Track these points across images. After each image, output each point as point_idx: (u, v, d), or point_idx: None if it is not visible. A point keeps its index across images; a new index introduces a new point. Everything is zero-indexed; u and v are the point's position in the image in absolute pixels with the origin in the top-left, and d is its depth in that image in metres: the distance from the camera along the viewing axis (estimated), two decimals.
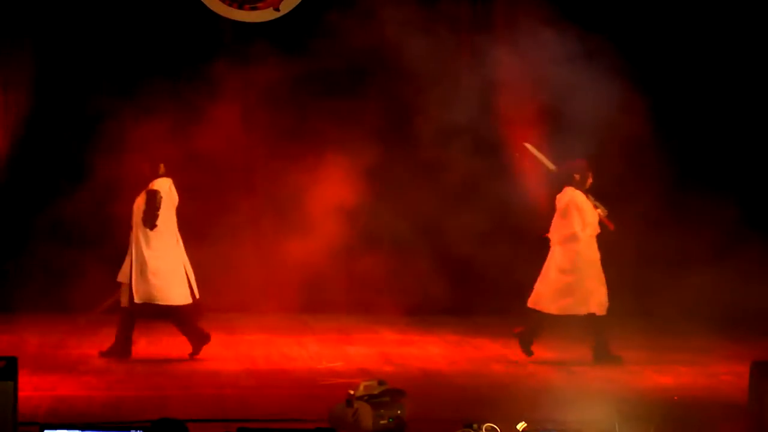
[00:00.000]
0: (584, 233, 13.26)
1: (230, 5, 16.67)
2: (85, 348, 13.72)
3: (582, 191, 13.36)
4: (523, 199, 16.96)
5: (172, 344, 14.17)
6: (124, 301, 13.08)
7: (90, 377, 11.99)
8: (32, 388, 10.71)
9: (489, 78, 16.62)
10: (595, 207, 13.36)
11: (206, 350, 13.78)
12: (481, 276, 16.75)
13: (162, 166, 13.09)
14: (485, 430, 9.20)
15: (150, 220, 12.90)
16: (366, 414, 9.44)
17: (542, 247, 16.82)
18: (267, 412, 10.09)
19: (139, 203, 13.01)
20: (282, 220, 16.63)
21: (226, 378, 12.11)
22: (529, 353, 13.30)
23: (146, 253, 12.92)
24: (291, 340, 14.56)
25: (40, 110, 16.63)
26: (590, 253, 13.32)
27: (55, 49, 16.61)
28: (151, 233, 12.94)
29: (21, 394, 9.30)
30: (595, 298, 13.24)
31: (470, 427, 9.23)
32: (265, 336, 14.89)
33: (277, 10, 16.75)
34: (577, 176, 13.40)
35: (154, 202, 12.91)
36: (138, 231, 12.97)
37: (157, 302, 13.00)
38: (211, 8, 16.65)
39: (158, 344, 14.18)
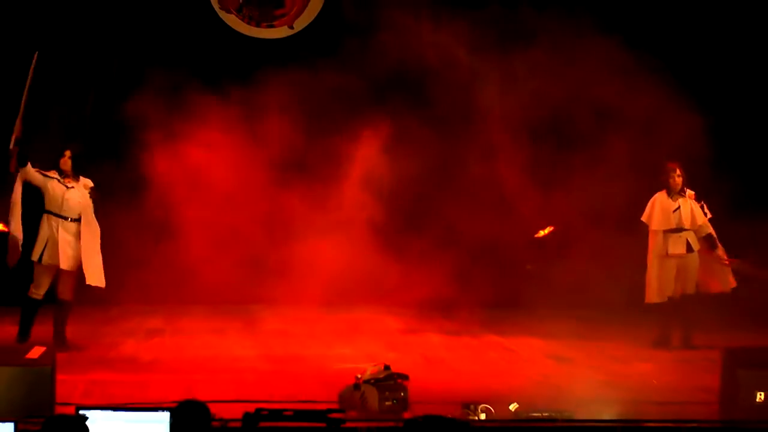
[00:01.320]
0: (654, 228, 13.59)
1: (249, 23, 16.76)
2: (115, 336, 13.81)
3: (666, 191, 13.66)
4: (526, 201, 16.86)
5: (196, 332, 14.28)
6: (68, 293, 12.96)
7: (120, 362, 12.08)
8: (68, 373, 10.69)
9: (531, 89, 16.12)
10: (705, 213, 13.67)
11: (229, 338, 13.89)
12: (482, 272, 16.77)
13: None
14: (481, 410, 9.29)
15: (95, 213, 12.99)
16: (372, 396, 9.51)
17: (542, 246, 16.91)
18: (283, 394, 10.15)
19: (84, 196, 12.89)
20: (299, 222, 16.71)
21: (246, 363, 12.19)
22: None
23: (97, 242, 12.95)
24: (304, 329, 14.61)
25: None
26: (655, 247, 13.61)
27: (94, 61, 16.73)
28: (96, 227, 12.98)
29: (58, 377, 9.39)
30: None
31: (467, 408, 9.33)
32: (281, 326, 14.92)
33: (291, 27, 16.85)
34: (662, 178, 13.69)
35: (98, 196, 13.01)
36: (93, 224, 12.92)
37: (102, 286, 13.06)
38: (232, 27, 16.75)
39: (183, 332, 14.29)
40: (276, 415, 9.09)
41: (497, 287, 16.51)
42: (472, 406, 9.32)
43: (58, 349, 10.81)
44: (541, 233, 16.88)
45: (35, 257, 12.74)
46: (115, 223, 16.06)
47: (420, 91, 16.55)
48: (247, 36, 16.88)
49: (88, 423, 6.42)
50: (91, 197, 12.92)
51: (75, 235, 12.78)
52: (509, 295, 16.63)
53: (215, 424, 8.82)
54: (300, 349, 13.25)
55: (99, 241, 12.96)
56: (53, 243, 12.71)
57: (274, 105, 16.31)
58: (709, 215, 13.68)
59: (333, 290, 16.16)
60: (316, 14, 16.82)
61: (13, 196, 12.65)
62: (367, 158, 16.09)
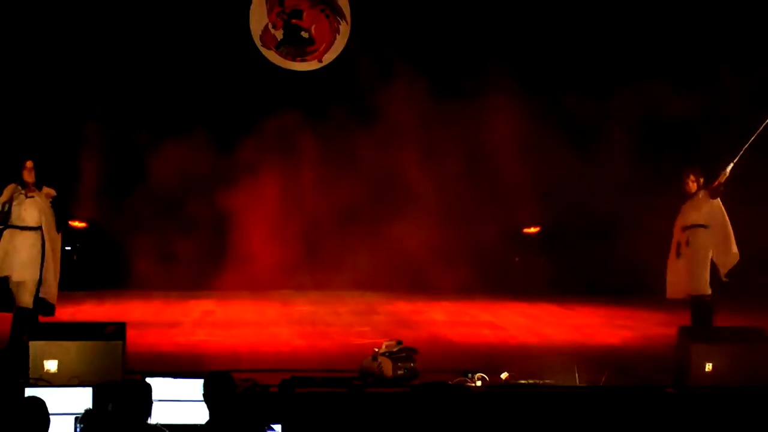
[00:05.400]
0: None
1: (285, 58, 16.81)
2: (177, 317, 13.77)
3: (689, 195, 11.81)
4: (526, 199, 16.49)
5: (241, 313, 14.24)
6: (27, 301, 10.47)
7: (180, 338, 12.05)
8: (137, 346, 10.64)
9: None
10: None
11: (267, 317, 13.86)
12: (480, 263, 16.71)
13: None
14: (477, 378, 9.28)
15: (60, 223, 10.75)
16: (387, 366, 9.46)
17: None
18: (313, 365, 10.11)
19: (45, 205, 10.56)
20: (322, 219, 16.73)
21: (282, 338, 12.14)
22: None
23: (55, 253, 10.67)
24: (330, 310, 14.57)
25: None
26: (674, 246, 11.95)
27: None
28: (55, 237, 10.71)
29: (128, 350, 9.36)
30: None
31: (465, 375, 9.32)
32: (311, 307, 14.91)
33: (320, 62, 16.86)
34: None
35: (64, 206, 10.88)
36: (52, 233, 10.59)
37: (52, 302, 10.70)
38: (272, 61, 16.77)
39: (231, 313, 14.26)
40: (308, 381, 9.12)
41: (493, 276, 16.50)
42: (470, 375, 9.30)
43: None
44: (532, 229, 16.78)
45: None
46: (196, 224, 16.19)
47: None
48: (283, 69, 16.88)
49: (151, 388, 6.37)
50: (52, 207, 10.57)
51: (32, 245, 10.50)
52: (501, 282, 16.60)
53: (257, 389, 8.86)
54: (327, 327, 13.18)
55: (58, 252, 10.71)
56: (6, 254, 10.50)
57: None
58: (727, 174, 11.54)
59: (351, 276, 16.16)
60: (341, 51, 16.82)
61: None
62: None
